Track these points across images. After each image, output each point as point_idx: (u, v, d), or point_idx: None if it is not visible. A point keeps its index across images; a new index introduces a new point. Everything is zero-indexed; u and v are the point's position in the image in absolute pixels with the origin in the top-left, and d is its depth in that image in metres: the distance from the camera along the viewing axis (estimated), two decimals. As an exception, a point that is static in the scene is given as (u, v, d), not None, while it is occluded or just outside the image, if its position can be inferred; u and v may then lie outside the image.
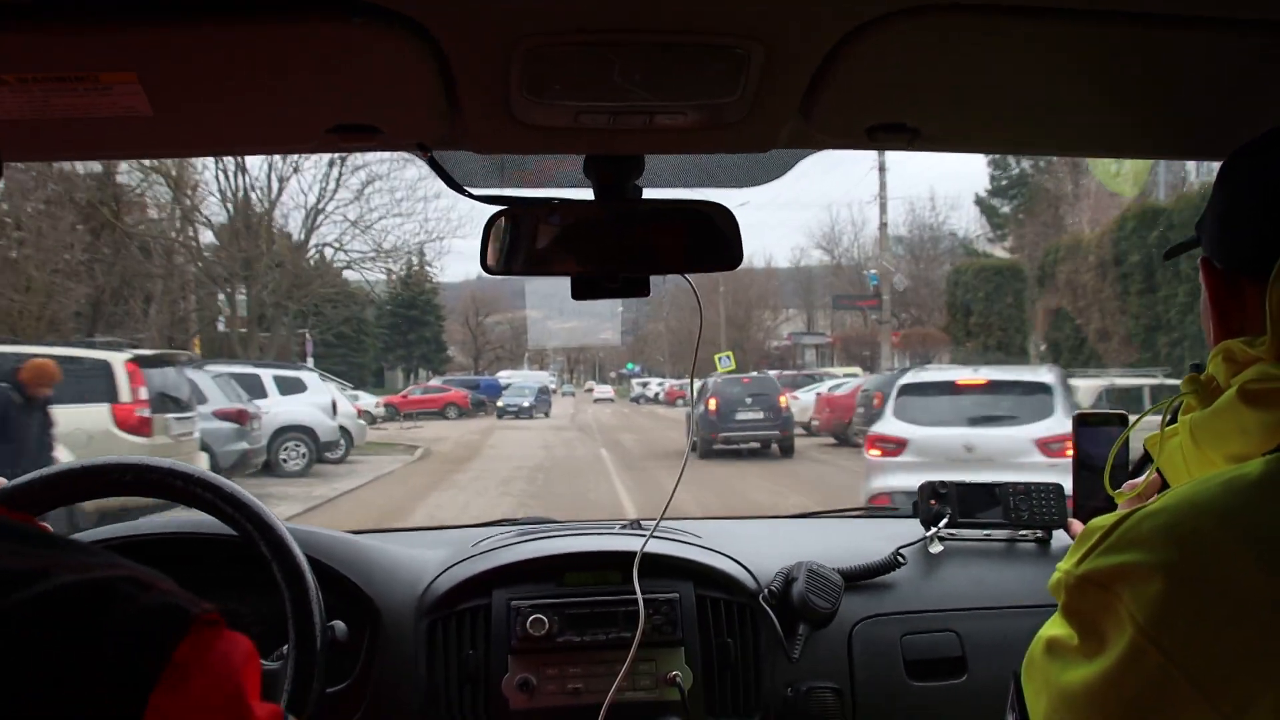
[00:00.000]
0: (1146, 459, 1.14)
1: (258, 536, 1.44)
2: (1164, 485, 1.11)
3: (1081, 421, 1.72)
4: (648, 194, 1.46)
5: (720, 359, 26.66)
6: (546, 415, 38.22)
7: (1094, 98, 1.21)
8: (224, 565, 1.62)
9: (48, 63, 1.02)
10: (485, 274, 1.44)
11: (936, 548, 1.98)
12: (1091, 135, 1.41)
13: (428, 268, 68.39)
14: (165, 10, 0.95)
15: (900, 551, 1.91)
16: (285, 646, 1.44)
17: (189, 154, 1.66)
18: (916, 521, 2.04)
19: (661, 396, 51.78)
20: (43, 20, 0.95)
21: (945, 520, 2.00)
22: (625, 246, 1.45)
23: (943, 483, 2.04)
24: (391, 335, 65.39)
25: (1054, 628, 0.88)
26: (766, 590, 1.79)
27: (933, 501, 2.02)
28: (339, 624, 1.55)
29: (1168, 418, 1.02)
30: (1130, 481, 1.28)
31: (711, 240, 1.44)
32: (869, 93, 1.17)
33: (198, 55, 1.03)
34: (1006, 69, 1.12)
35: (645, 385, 58.80)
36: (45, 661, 0.53)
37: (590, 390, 72.57)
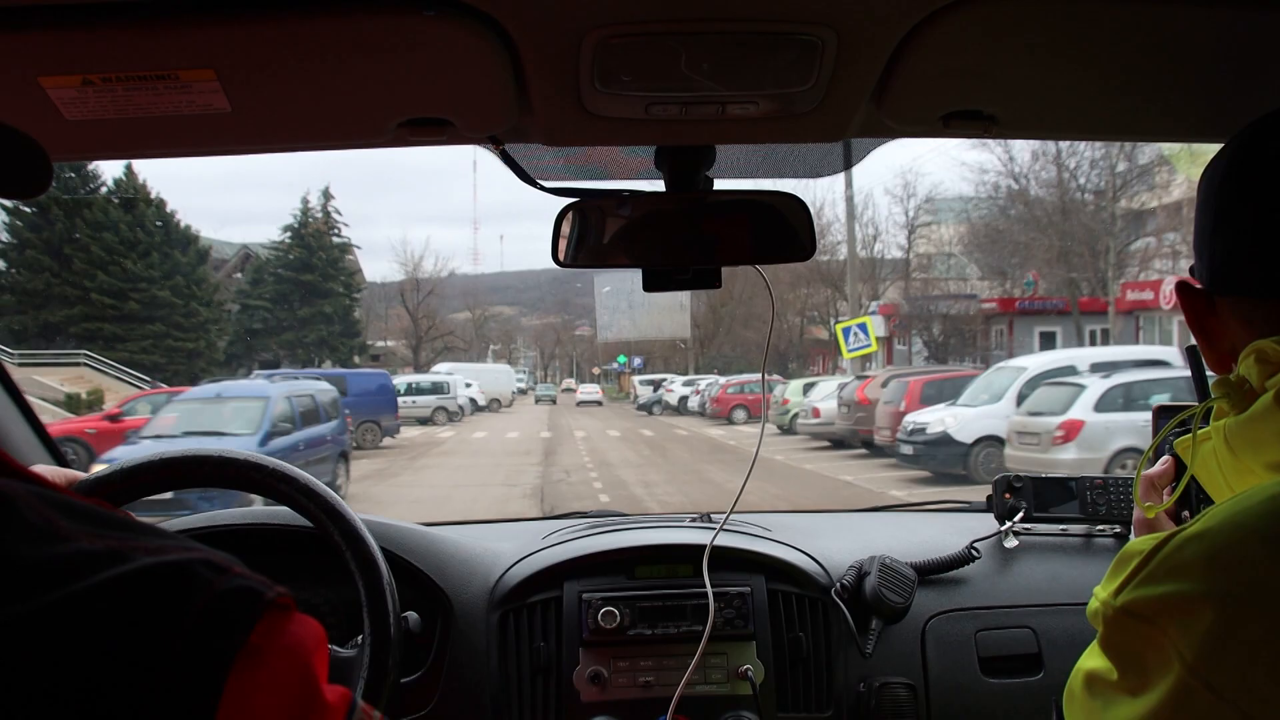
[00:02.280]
0: (1182, 465, 1.07)
1: (333, 528, 1.46)
2: (1196, 491, 1.06)
3: (1161, 413, 1.68)
4: (719, 185, 1.46)
5: (851, 332, 18.18)
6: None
7: (1177, 80, 1.17)
8: (300, 556, 1.64)
9: (130, 62, 1.03)
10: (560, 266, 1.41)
11: (1011, 542, 1.95)
12: (1173, 119, 1.36)
13: (335, 215, 48.11)
14: (242, 7, 0.97)
15: (974, 546, 1.89)
16: (360, 636, 1.45)
17: (264, 149, 1.68)
18: (990, 516, 2.01)
19: (700, 405, 32.86)
20: (125, 20, 0.97)
21: (1020, 515, 1.97)
22: (696, 238, 1.44)
23: (1018, 476, 2.01)
24: (276, 311, 45.21)
25: (1092, 659, 0.83)
26: (839, 584, 1.78)
27: (1007, 495, 2.00)
28: (412, 615, 1.57)
29: (1199, 421, 0.96)
30: (1148, 471, 1.19)
31: (783, 231, 1.43)
32: (944, 79, 1.15)
33: (273, 51, 1.04)
34: (1086, 51, 1.10)
35: (658, 388, 40.89)
36: (125, 641, 0.54)
37: (571, 391, 57.55)
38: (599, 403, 47.81)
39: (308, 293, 45.79)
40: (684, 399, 36.53)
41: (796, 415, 22.86)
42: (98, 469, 1.52)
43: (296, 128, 1.28)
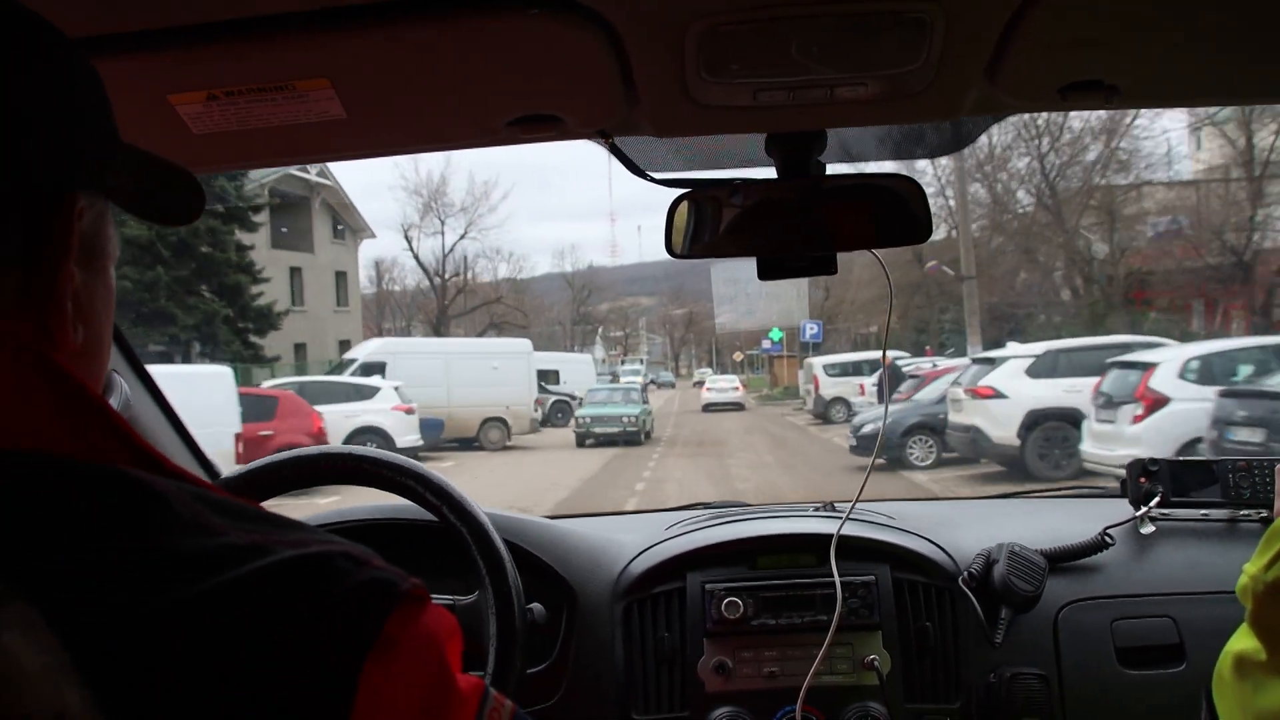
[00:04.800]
0: None
1: (458, 522, 1.50)
2: None
3: None
4: (831, 170, 1.44)
5: None
6: None
7: None
8: (425, 549, 1.68)
9: (250, 75, 1.08)
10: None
11: (1148, 528, 1.88)
12: None
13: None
14: (352, 17, 1.00)
15: (1108, 532, 1.83)
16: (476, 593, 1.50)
17: (377, 154, 1.76)
18: (1124, 501, 1.94)
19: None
20: (244, 36, 1.01)
21: (1157, 499, 1.89)
22: (810, 224, 1.43)
23: (1153, 460, 1.93)
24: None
25: (1242, 640, 0.79)
26: (966, 572, 1.74)
27: (1143, 480, 1.92)
28: (537, 606, 1.59)
29: None
30: None
31: (899, 214, 1.41)
32: (1061, 50, 1.12)
33: (384, 58, 1.07)
34: (1213, 9, 1.05)
35: (900, 380, 16.89)
36: (268, 630, 0.57)
37: (700, 384, 41.36)
38: (738, 405, 32.73)
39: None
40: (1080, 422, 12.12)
41: None
42: (238, 468, 1.59)
43: (410, 131, 1.31)
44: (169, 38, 1.00)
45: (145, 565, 0.57)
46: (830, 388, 23.81)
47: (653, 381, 52.78)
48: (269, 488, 1.56)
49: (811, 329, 26.53)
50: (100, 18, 0.97)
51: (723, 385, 35.15)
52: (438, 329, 39.30)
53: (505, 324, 44.32)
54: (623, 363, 59.39)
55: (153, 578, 0.56)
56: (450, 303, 41.24)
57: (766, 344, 38.46)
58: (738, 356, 52.07)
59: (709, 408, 32.21)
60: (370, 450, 1.58)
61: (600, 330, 63.24)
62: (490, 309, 44.51)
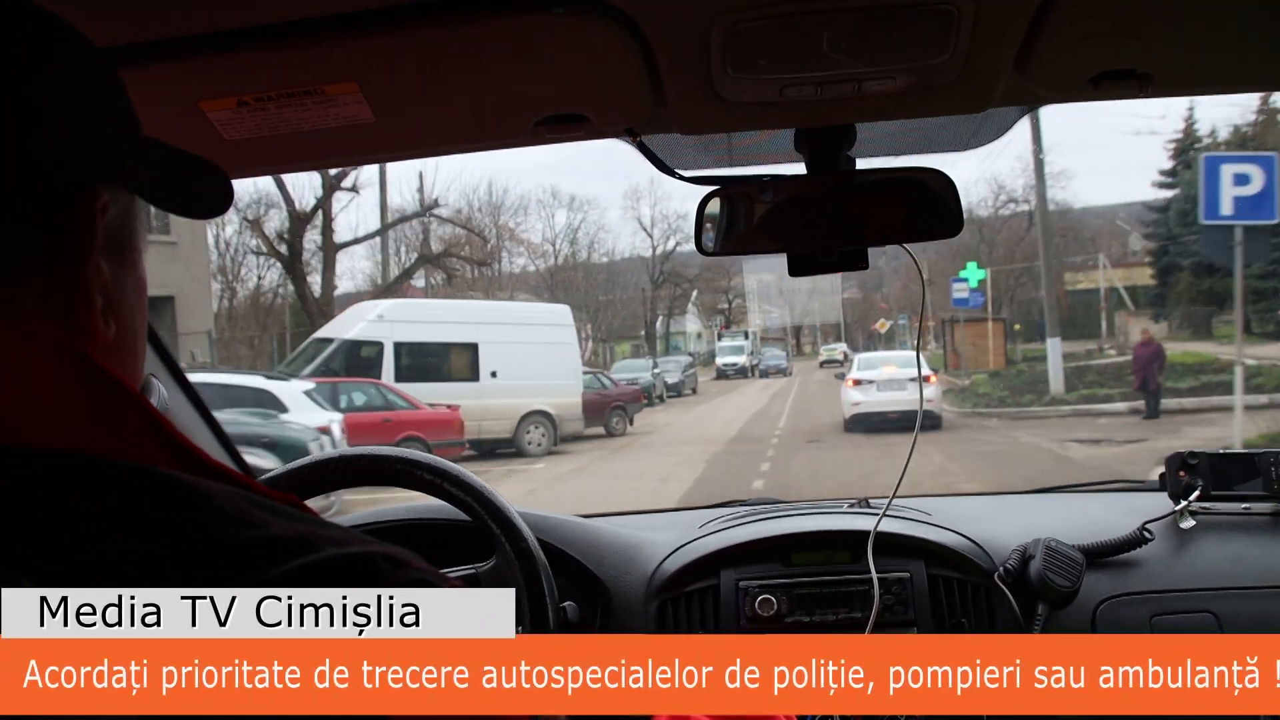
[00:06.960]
0: None
1: (491, 521, 1.51)
2: None
3: None
4: (861, 164, 1.43)
5: None
6: None
7: None
8: (459, 549, 1.69)
9: (279, 80, 1.09)
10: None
11: (1188, 523, 1.85)
12: None
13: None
14: (380, 19, 1.01)
15: (1147, 527, 1.80)
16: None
17: (405, 156, 1.78)
18: (1164, 495, 1.91)
19: None
20: (272, 41, 1.02)
21: (1196, 493, 1.86)
22: (841, 219, 1.42)
23: (1193, 453, 1.90)
24: None
25: None
26: (1002, 568, 1.72)
27: (1182, 473, 1.89)
28: (571, 605, 1.60)
29: None
30: None
31: (931, 208, 1.40)
32: (1092, 39, 1.10)
33: (409, 60, 1.08)
34: None
35: None
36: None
37: (832, 367, 29.52)
38: (931, 419, 16.52)
39: None
40: None
41: None
42: (275, 469, 1.61)
43: (437, 132, 1.32)
44: (199, 45, 1.02)
45: (187, 562, 0.57)
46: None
47: (755, 365, 40.61)
48: (311, 487, 1.57)
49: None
50: (131, 26, 0.98)
51: (894, 373, 17.55)
52: (291, 268, 23.29)
53: (453, 259, 27.00)
54: (721, 337, 46.75)
55: (197, 574, 0.57)
56: (336, 216, 23.91)
57: (960, 292, 23.22)
58: (881, 326, 35.87)
59: (859, 422, 17.13)
60: (404, 451, 1.60)
61: (694, 295, 47.36)
62: (430, 229, 26.29)
